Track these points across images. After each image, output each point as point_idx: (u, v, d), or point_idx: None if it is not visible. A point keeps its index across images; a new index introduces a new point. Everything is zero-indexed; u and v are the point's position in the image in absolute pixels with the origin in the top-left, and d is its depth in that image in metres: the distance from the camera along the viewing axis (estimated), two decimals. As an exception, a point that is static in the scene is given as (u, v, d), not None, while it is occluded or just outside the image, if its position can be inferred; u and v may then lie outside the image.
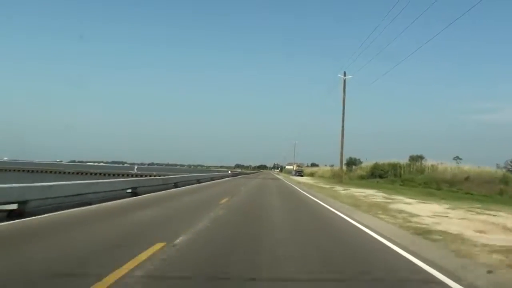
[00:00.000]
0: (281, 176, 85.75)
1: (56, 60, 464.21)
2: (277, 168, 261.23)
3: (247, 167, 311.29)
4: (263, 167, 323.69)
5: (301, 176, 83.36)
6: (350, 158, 74.20)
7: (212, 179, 47.57)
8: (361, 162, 73.59)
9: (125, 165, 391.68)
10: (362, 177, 66.48)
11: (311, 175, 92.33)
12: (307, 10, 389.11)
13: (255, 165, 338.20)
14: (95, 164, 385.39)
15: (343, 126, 48.93)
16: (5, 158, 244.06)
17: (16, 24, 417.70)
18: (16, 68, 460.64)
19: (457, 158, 62.11)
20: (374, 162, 66.54)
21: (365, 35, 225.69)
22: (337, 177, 77.77)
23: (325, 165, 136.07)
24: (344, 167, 78.60)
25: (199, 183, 38.30)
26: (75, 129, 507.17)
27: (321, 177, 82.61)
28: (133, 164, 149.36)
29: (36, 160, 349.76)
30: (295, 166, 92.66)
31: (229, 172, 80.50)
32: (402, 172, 64.64)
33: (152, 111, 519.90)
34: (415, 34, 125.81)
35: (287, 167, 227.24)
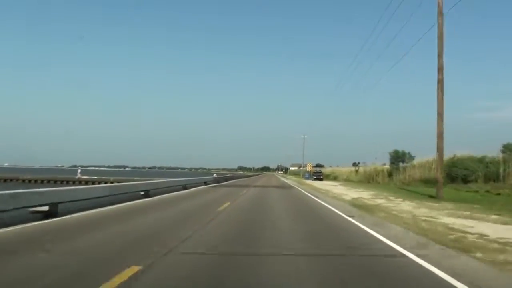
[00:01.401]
0: (290, 181, 56.85)
1: (57, 63, 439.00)
2: (281, 170, 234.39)
3: (249, 169, 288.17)
4: (266, 169, 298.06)
5: (321, 180, 54.39)
6: (397, 152, 45.35)
7: (156, 191, 19.02)
8: (412, 157, 44.62)
9: (127, 168, 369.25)
10: (427, 181, 37.43)
11: (333, 178, 63.28)
12: (307, 10, 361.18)
13: (258, 167, 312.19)
14: (96, 168, 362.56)
15: (441, 79, 19.75)
16: (6, 164, 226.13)
17: (14, 27, 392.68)
18: (16, 72, 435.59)
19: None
20: (451, 155, 37.34)
21: (365, 35, 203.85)
22: (375, 182, 49.16)
23: (330, 166, 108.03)
24: (386, 166, 49.50)
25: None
26: (78, 133, 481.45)
27: (348, 181, 54.00)
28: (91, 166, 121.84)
29: (37, 166, 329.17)
30: (308, 166, 62.57)
31: (214, 175, 51.93)
32: (502, 171, 35.97)
33: (155, 114, 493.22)
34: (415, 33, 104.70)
35: (291, 168, 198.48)
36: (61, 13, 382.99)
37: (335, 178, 63.24)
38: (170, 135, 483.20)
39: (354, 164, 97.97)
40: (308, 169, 64.11)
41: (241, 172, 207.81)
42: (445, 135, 20.32)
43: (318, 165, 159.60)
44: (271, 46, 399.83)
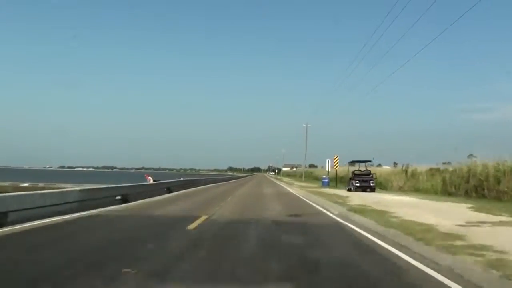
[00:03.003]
0: (298, 191, 27.54)
1: (48, 63, 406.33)
2: (273, 171, 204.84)
3: (239, 170, 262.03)
4: (256, 169, 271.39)
5: (372, 190, 23.89)
6: None
7: None
8: None
9: (115, 170, 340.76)
10: None
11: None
12: (302, 11, 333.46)
13: (248, 167, 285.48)
14: (84, 169, 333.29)
15: None
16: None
17: (7, 26, 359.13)
18: (6, 72, 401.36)
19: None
20: None
21: (363, 37, 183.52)
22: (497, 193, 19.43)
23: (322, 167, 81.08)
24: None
25: None
26: (68, 134, 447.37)
27: (417, 191, 25.84)
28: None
29: (26, 166, 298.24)
30: (332, 163, 32.02)
31: (149, 179, 23.70)
32: None
33: (145, 116, 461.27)
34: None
35: (284, 169, 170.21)
36: (55, 12, 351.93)
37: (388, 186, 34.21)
38: (161, 136, 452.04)
39: (350, 164, 71.40)
40: (328, 169, 34.31)
41: (230, 173, 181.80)
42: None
43: (311, 166, 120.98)
44: (261, 46, 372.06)
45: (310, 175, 79.56)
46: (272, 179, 76.30)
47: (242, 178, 79.67)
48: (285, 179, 75.02)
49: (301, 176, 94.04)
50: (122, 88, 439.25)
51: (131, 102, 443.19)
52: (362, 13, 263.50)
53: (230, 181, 53.14)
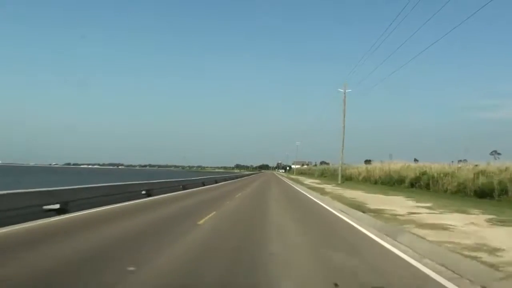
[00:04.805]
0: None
1: (58, 62, 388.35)
2: (282, 169, 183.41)
3: (247, 168, 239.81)
4: (265, 167, 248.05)
5: None
6: None
7: None
8: None
9: (121, 167, 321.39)
10: None
11: None
12: (307, 11, 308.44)
13: (256, 165, 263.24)
14: (89, 166, 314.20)
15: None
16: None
17: (14, 22, 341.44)
18: (13, 70, 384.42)
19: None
20: None
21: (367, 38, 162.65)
22: None
23: (332, 164, 57.91)
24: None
25: None
26: (73, 132, 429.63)
27: None
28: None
29: (32, 163, 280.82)
30: None
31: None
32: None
33: (152, 113, 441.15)
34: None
35: (295, 166, 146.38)
36: (65, 12, 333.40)
37: None
38: (167, 134, 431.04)
39: (367, 162, 54.09)
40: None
41: (237, 171, 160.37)
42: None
43: (322, 163, 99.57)
44: (271, 45, 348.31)
45: (333, 173, 54.27)
46: (286, 180, 51.26)
47: (243, 178, 55.61)
48: (307, 180, 49.44)
49: (322, 175, 68.87)
50: (130, 86, 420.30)
51: (138, 100, 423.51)
52: (369, 13, 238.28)
53: (215, 185, 28.76)
